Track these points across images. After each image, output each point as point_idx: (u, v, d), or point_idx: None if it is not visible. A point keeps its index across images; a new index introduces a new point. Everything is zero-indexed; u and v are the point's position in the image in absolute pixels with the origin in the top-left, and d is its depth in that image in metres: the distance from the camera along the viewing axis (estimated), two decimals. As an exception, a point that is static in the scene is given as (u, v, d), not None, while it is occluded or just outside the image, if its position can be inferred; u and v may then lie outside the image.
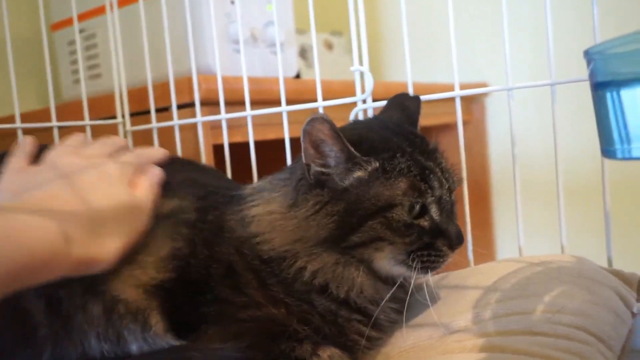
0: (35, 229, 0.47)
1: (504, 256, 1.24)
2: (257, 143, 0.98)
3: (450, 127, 1.42)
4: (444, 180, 0.61)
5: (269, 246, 0.60)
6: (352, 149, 0.58)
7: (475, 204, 0.87)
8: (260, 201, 0.63)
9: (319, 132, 0.57)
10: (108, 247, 0.55)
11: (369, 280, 0.60)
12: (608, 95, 0.46)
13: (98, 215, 0.56)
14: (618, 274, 0.70)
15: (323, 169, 0.59)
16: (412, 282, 0.61)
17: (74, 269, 0.51)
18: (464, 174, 0.80)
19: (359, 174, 0.59)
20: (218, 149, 1.01)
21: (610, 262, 0.77)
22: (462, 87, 0.86)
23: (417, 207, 0.58)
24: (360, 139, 0.60)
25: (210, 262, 0.62)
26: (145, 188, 0.63)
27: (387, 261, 0.59)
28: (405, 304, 0.64)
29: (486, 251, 1.61)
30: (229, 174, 0.95)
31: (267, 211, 0.62)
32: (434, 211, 0.60)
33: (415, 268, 0.59)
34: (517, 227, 0.81)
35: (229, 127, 0.99)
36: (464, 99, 1.62)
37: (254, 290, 0.60)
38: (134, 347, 0.60)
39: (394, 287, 0.60)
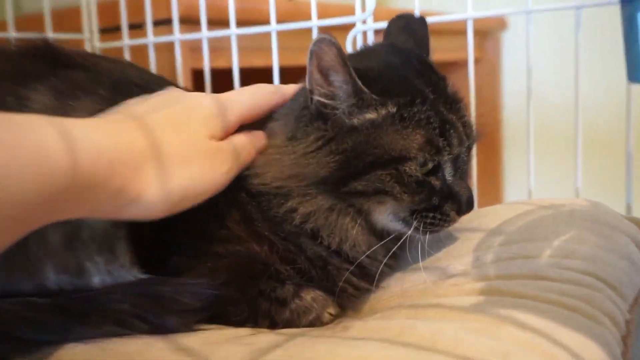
0: (87, 146, 0.45)
1: (511, 199, 1.27)
2: (242, 71, 0.96)
3: (459, 65, 1.40)
4: (464, 137, 0.61)
5: (260, 180, 0.60)
6: (362, 86, 0.57)
7: (483, 149, 0.87)
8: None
9: (325, 54, 0.56)
10: (156, 187, 0.50)
11: (364, 235, 0.60)
12: (639, 15, 0.47)
13: (161, 150, 0.52)
14: (636, 222, 0.70)
15: (327, 100, 0.58)
16: (407, 238, 0.62)
17: (112, 200, 0.48)
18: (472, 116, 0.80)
19: (370, 115, 0.58)
20: (198, 75, 0.99)
21: (629, 209, 0.78)
22: (476, 23, 0.86)
23: (431, 164, 0.58)
24: (376, 76, 0.59)
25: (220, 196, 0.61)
26: (242, 141, 0.59)
27: (386, 216, 0.60)
28: (398, 259, 0.65)
29: (493, 196, 1.62)
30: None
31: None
32: (447, 171, 0.60)
33: (416, 228, 0.59)
34: (527, 167, 0.82)
35: (211, 50, 0.97)
36: (477, 34, 1.58)
37: (235, 224, 0.60)
38: (96, 280, 0.60)
39: (387, 239, 0.61)
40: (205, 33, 0.95)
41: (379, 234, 0.61)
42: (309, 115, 0.59)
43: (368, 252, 0.60)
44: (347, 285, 0.63)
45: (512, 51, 1.71)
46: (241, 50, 0.95)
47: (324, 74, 0.59)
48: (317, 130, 0.60)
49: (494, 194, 1.69)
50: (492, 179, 1.70)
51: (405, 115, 0.58)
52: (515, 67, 1.71)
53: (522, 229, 0.65)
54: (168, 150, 0.52)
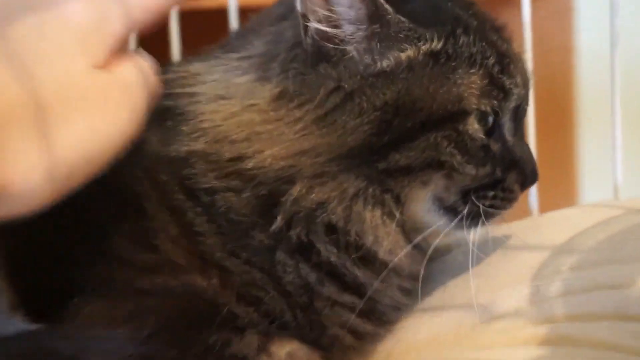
0: None
1: (590, 200, 1.31)
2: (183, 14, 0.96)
3: (509, 2, 1.40)
4: (526, 74, 0.65)
5: (254, 163, 0.61)
6: (386, 5, 0.59)
7: (548, 126, 0.88)
8: (207, 90, 0.64)
9: None
10: (32, 162, 0.47)
11: (400, 237, 0.64)
12: None
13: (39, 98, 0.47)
14: None
15: (331, 29, 0.60)
16: (434, 245, 0.65)
17: None
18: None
19: (406, 53, 0.60)
20: None
21: None
22: None
23: (491, 118, 0.61)
24: None
25: (96, 191, 0.59)
26: (143, 65, 0.56)
27: (426, 204, 0.63)
28: (419, 281, 0.65)
29: (563, 197, 1.61)
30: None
31: (228, 109, 0.62)
32: (507, 127, 0.64)
33: (464, 218, 0.62)
34: (613, 152, 0.82)
35: None
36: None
37: (169, 243, 0.61)
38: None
39: (410, 246, 0.64)
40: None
41: (407, 236, 0.64)
42: (303, 56, 0.61)
43: (409, 267, 0.65)
44: (343, 330, 0.63)
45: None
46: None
47: None
48: (325, 79, 0.60)
49: (563, 192, 1.67)
50: (561, 168, 1.68)
51: (451, 51, 0.61)
52: (595, 4, 1.70)
53: (603, 245, 0.66)
54: (45, 95, 0.47)
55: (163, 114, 0.63)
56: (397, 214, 0.62)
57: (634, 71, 1.49)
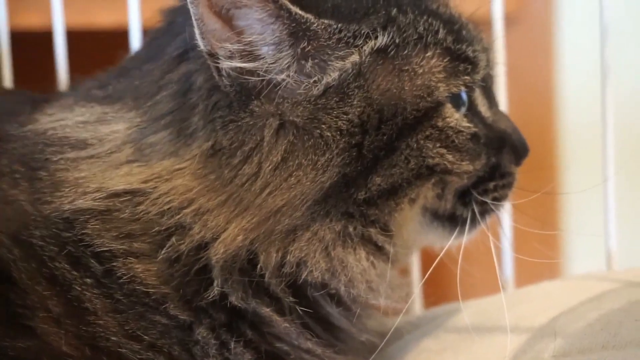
0: None
1: (577, 269, 1.32)
2: (72, 34, 0.95)
3: (482, 25, 1.41)
4: (480, 36, 0.68)
5: (216, 250, 0.62)
6: (302, 12, 0.60)
7: (526, 177, 0.87)
8: (106, 149, 0.65)
9: None
10: None
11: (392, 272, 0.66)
12: None
13: None
14: None
15: (247, 63, 0.60)
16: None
17: None
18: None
19: (351, 59, 0.62)
20: None
21: None
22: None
23: (464, 97, 0.65)
24: None
25: None
26: None
27: (415, 224, 0.66)
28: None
29: (546, 259, 1.61)
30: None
31: (146, 172, 0.63)
32: (481, 102, 0.67)
33: (466, 221, 0.66)
34: (604, 204, 0.81)
35: None
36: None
37: (50, 325, 0.59)
38: None
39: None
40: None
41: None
42: (226, 101, 0.62)
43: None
44: None
45: (574, 2, 1.71)
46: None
47: (224, 16, 0.59)
48: (263, 118, 0.61)
49: (544, 259, 1.67)
50: (542, 230, 1.69)
51: (397, 39, 0.62)
52: (580, 30, 1.71)
53: (596, 327, 0.64)
54: None
55: (35, 166, 0.63)
56: (390, 248, 0.63)
57: (627, 106, 1.49)
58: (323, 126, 0.61)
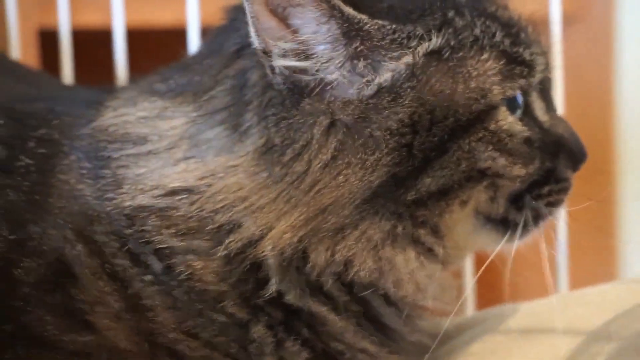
0: None
1: (632, 273, 1.31)
2: (133, 33, 0.96)
3: (540, 25, 1.40)
4: (539, 39, 0.68)
5: (265, 245, 0.62)
6: (356, 14, 0.60)
7: (582, 182, 0.86)
8: (165, 145, 0.66)
9: None
10: None
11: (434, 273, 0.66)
12: None
13: None
14: None
15: (300, 62, 0.61)
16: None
17: None
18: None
19: (404, 60, 0.62)
20: (48, 39, 0.99)
21: None
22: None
23: (521, 101, 0.65)
24: None
25: (15, 256, 0.61)
26: None
27: (468, 226, 0.65)
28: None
29: (599, 269, 1.59)
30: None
31: (202, 168, 0.64)
32: (538, 106, 0.67)
33: (519, 226, 0.65)
34: None
35: None
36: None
37: (110, 320, 0.61)
38: None
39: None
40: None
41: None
42: (279, 99, 0.62)
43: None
44: None
45: (636, 2, 1.69)
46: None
47: (280, 14, 0.60)
48: (314, 117, 0.61)
49: (599, 261, 1.66)
50: (598, 234, 1.67)
51: (453, 41, 0.62)
52: None
53: None
54: None
55: (99, 164, 0.65)
56: (440, 250, 0.64)
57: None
58: (373, 125, 0.61)
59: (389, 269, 0.63)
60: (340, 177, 0.61)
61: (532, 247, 0.71)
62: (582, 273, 0.83)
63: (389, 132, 0.61)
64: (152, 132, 0.66)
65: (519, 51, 0.64)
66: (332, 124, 0.61)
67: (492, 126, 0.62)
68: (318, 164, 0.61)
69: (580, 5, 1.69)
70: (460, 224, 0.64)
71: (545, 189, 0.65)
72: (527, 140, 0.63)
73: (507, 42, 0.63)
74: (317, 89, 0.61)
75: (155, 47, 0.98)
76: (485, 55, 0.62)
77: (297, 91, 0.61)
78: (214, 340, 0.61)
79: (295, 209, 0.61)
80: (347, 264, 0.62)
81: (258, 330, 0.62)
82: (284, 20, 0.60)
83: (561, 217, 0.82)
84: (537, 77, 0.65)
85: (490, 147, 0.62)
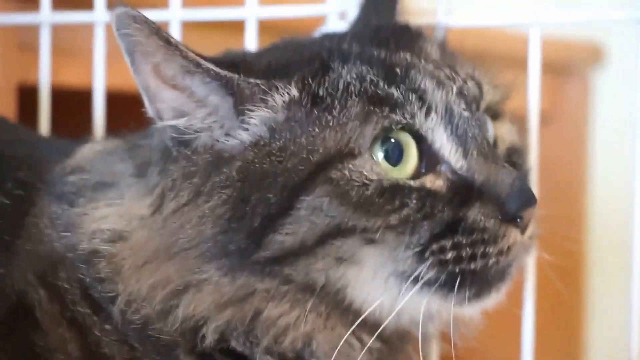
0: None
1: None
2: (113, 95, 0.96)
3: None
4: (449, 79, 0.64)
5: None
6: (218, 69, 0.62)
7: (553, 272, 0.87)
8: (105, 195, 0.68)
9: (138, 44, 0.61)
10: None
11: (332, 329, 0.63)
12: None
13: None
14: None
15: (179, 121, 0.63)
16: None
17: None
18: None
19: (261, 113, 0.62)
20: (28, 95, 1.00)
21: None
22: (549, 50, 0.86)
23: (394, 144, 0.61)
24: (255, 56, 0.67)
25: None
26: None
27: (380, 283, 0.61)
28: None
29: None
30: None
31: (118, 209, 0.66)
32: (448, 148, 0.62)
33: (433, 283, 0.61)
34: (629, 318, 0.80)
35: (58, 52, 0.98)
36: (550, 70, 1.59)
37: None
38: None
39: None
40: (47, 15, 0.95)
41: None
42: (170, 153, 0.65)
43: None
44: None
45: (610, 100, 1.72)
46: (114, 59, 0.92)
47: (167, 82, 0.63)
48: (178, 166, 0.63)
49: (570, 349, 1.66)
50: (564, 338, 1.67)
51: (322, 91, 0.62)
52: (615, 130, 1.69)
53: None
54: None
55: (64, 208, 0.66)
56: (322, 307, 0.62)
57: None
58: (214, 177, 0.62)
59: (261, 324, 0.62)
60: (182, 220, 0.62)
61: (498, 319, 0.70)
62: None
63: (232, 178, 0.61)
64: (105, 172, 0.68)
65: (391, 91, 0.62)
66: (191, 171, 0.62)
67: (335, 174, 0.60)
68: (173, 207, 0.62)
69: (556, 100, 1.71)
70: (361, 284, 0.62)
71: (447, 243, 0.60)
72: (384, 189, 0.60)
73: (382, 84, 0.62)
74: (191, 142, 0.63)
75: (136, 110, 1.00)
76: (351, 103, 0.61)
77: (181, 144, 0.63)
78: None
79: (139, 246, 0.63)
80: (198, 323, 0.62)
81: None
82: (172, 87, 0.63)
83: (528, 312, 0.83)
84: (414, 115, 0.61)
85: (340, 200, 0.59)
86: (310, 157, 0.60)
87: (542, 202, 0.85)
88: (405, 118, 0.61)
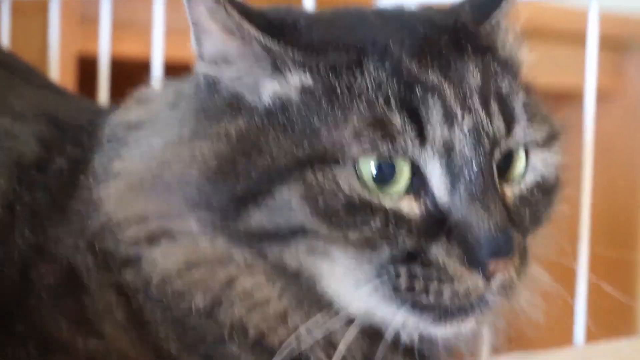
0: None
1: None
2: (171, 64, 0.96)
3: (572, 98, 1.40)
4: (467, 114, 0.60)
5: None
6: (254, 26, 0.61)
7: (607, 236, 0.85)
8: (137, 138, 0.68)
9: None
10: None
11: (297, 311, 0.62)
12: None
13: None
14: None
15: (210, 68, 0.63)
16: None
17: None
18: (586, 187, 0.81)
19: (272, 87, 0.61)
20: (87, 65, 1.01)
21: None
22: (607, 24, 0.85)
23: (388, 164, 0.59)
24: (283, 17, 0.63)
25: (34, 260, 0.63)
26: None
27: (349, 284, 0.60)
28: None
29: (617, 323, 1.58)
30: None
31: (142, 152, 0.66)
32: (437, 182, 0.60)
33: (409, 307, 0.59)
34: None
35: (117, 23, 0.99)
36: (608, 45, 1.59)
37: (116, 329, 0.62)
38: None
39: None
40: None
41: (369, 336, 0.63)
42: (195, 90, 0.65)
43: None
44: None
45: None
46: (172, 33, 0.96)
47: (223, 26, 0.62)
48: (198, 99, 0.63)
49: (617, 317, 1.65)
50: (617, 287, 1.67)
51: (339, 86, 0.60)
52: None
53: None
54: None
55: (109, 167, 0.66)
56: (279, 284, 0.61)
57: None
58: (219, 121, 0.62)
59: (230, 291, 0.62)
60: (175, 153, 0.62)
61: (548, 297, 0.70)
62: (600, 327, 0.82)
63: (220, 136, 0.60)
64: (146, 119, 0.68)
65: (395, 118, 0.59)
66: (202, 107, 0.63)
67: (310, 177, 0.58)
68: (177, 137, 0.63)
69: (616, 78, 1.70)
70: (329, 278, 0.61)
71: (402, 269, 0.59)
72: (352, 204, 0.58)
73: (393, 105, 0.59)
74: (219, 84, 0.63)
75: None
76: (355, 107, 0.59)
77: (211, 85, 0.63)
78: (209, 353, 0.62)
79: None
80: (168, 279, 0.62)
81: (232, 349, 0.63)
82: (220, 31, 0.62)
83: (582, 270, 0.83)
84: (418, 153, 0.59)
85: (306, 203, 0.58)
86: (295, 149, 0.58)
87: (599, 179, 0.85)
88: (393, 149, 0.58)
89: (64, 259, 0.63)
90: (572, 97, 1.42)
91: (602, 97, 0.88)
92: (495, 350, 0.80)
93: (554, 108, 0.74)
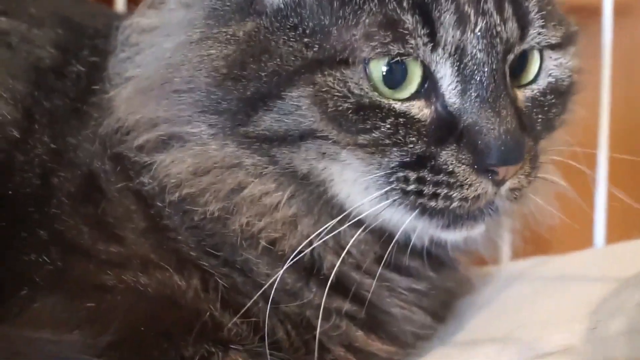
0: None
1: None
2: None
3: (589, 12, 1.39)
4: (480, 17, 0.59)
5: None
6: None
7: (625, 148, 0.85)
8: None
9: None
10: None
11: (308, 219, 0.62)
12: None
13: None
14: None
15: None
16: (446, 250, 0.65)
17: None
18: (605, 111, 0.81)
19: None
20: None
21: None
22: None
23: (400, 66, 0.58)
24: None
25: (54, 165, 0.63)
26: None
27: (352, 185, 0.61)
28: (439, 293, 0.66)
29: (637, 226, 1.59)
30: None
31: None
32: (448, 85, 0.59)
33: (397, 203, 0.60)
34: None
35: None
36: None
37: (136, 235, 0.62)
38: None
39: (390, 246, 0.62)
40: None
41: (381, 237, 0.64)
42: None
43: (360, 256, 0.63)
44: (347, 352, 0.63)
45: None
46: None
47: None
48: (210, 2, 0.62)
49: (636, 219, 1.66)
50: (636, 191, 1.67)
51: None
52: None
53: None
54: None
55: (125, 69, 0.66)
56: (289, 190, 0.61)
57: None
58: (228, 24, 0.62)
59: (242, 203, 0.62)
60: (185, 57, 0.61)
61: (568, 203, 0.70)
62: (619, 230, 0.82)
63: (228, 38, 0.60)
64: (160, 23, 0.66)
65: (406, 18, 0.58)
66: (215, 9, 0.62)
67: (322, 79, 0.58)
68: (186, 38, 0.62)
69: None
70: (337, 181, 0.61)
71: (412, 175, 0.59)
72: (363, 106, 0.58)
73: (405, 5, 0.59)
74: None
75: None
76: (365, 7, 0.59)
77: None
78: (229, 259, 0.62)
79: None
80: (181, 183, 0.62)
81: (250, 254, 0.63)
82: None
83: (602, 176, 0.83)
84: (420, 50, 0.59)
85: (317, 106, 0.58)
86: (306, 50, 0.58)
87: (617, 93, 0.85)
88: (405, 50, 0.58)
89: (83, 165, 0.64)
90: (587, 11, 1.42)
91: (619, 12, 0.88)
92: (515, 254, 0.82)
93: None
